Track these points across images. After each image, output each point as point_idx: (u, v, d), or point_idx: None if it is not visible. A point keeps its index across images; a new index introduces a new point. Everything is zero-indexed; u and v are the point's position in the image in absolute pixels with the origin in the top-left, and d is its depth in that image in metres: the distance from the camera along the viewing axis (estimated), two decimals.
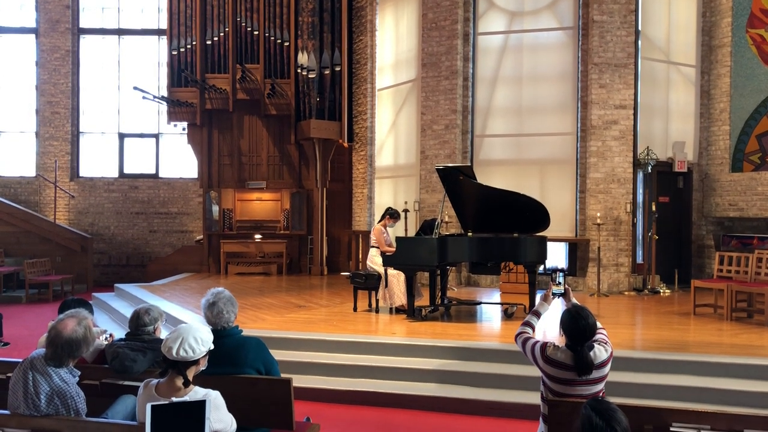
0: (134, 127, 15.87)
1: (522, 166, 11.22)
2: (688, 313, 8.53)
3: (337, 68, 13.38)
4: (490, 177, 10.50)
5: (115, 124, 15.85)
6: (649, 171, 10.80)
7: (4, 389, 3.43)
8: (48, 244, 13.74)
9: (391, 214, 8.78)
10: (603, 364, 3.42)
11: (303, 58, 13.20)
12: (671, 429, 3.17)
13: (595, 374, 3.38)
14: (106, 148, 15.84)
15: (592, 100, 10.62)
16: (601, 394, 3.41)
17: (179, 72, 13.60)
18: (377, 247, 8.61)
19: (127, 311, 8.94)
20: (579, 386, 3.38)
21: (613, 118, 10.59)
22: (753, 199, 10.59)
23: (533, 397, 4.33)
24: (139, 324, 4.05)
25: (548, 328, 7.21)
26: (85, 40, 15.83)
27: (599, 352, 3.42)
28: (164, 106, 14.20)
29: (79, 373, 3.37)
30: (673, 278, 10.76)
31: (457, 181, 8.10)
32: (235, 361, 3.80)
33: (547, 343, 3.53)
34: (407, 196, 12.09)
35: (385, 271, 8.32)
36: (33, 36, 15.61)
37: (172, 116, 13.85)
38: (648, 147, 10.67)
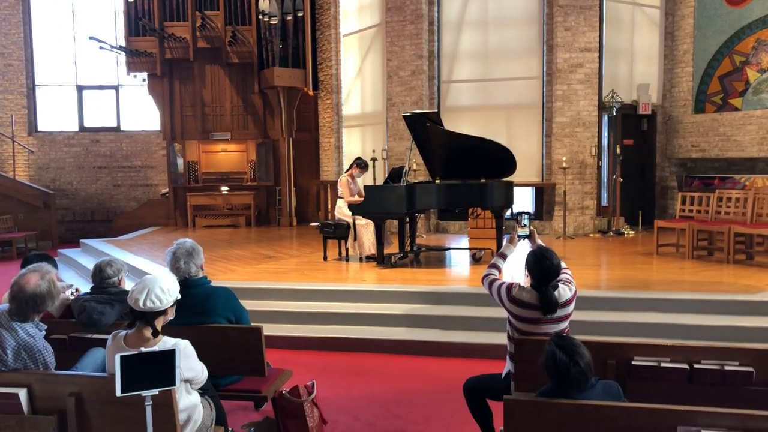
0: (93, 79, 15.39)
1: (489, 111, 11.20)
2: (651, 253, 8.75)
3: (300, 13, 13.05)
4: (458, 123, 10.47)
5: (72, 76, 15.35)
6: (614, 114, 10.88)
7: None
8: (8, 201, 13.41)
9: (358, 164, 8.72)
10: (567, 303, 3.50)
11: (264, 4, 12.83)
12: (633, 363, 3.27)
13: (560, 313, 3.46)
14: (65, 101, 15.37)
15: (557, 43, 10.57)
16: (565, 332, 3.49)
17: (137, 20, 13.13)
18: (344, 198, 8.59)
19: None
20: (544, 325, 3.46)
21: (578, 62, 10.57)
22: (715, 140, 10.77)
23: (501, 338, 4.43)
24: (104, 277, 4.00)
25: (515, 270, 7.34)
26: None
27: (563, 292, 3.49)
28: (123, 57, 13.76)
29: (46, 327, 3.34)
30: (637, 219, 10.98)
31: (425, 128, 8.07)
32: (204, 310, 3.81)
33: (512, 283, 3.59)
34: (375, 144, 12.02)
35: (354, 220, 8.32)
36: None
37: (132, 66, 13.44)
38: (613, 90, 10.72)
